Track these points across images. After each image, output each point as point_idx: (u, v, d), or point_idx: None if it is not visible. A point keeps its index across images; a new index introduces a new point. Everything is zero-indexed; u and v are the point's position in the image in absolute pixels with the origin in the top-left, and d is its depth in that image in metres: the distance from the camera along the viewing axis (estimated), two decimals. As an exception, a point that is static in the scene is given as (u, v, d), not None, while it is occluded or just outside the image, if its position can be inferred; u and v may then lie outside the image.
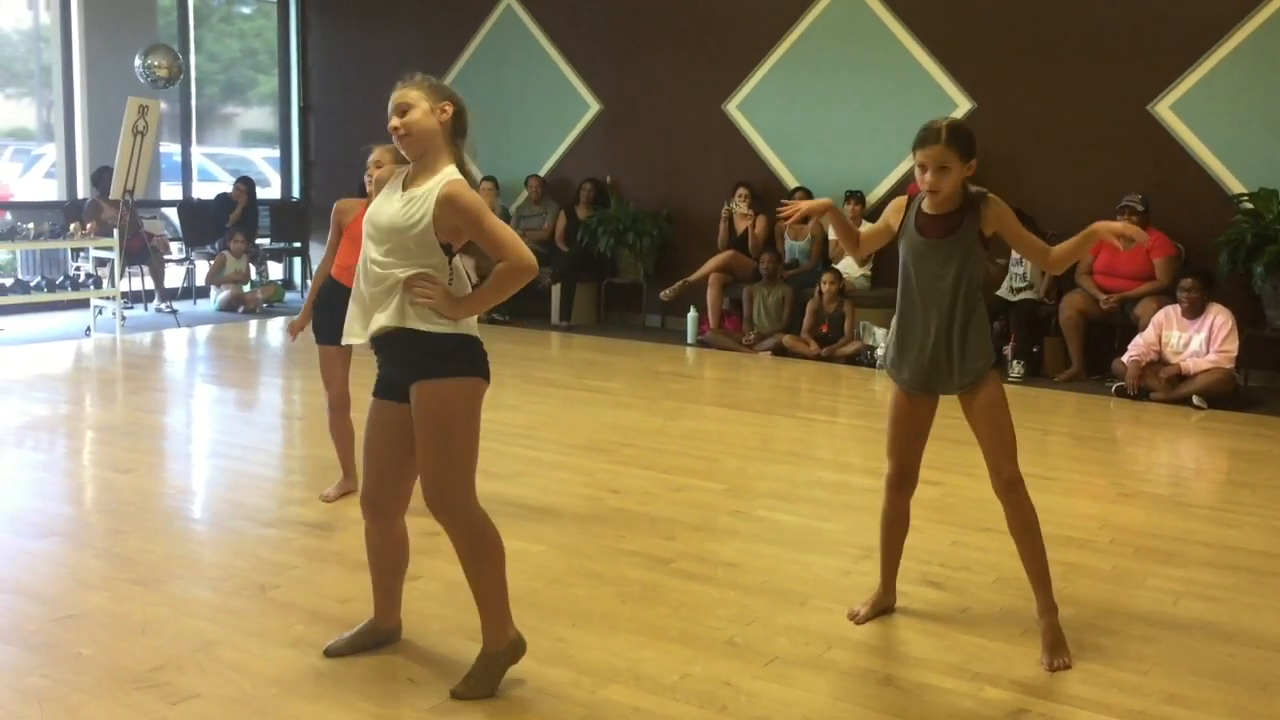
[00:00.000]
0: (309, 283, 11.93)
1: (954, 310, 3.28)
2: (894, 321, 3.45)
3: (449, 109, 2.94)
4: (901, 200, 3.44)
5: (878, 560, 3.66)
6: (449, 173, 2.91)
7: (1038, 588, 3.33)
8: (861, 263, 9.08)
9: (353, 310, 2.98)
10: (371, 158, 4.21)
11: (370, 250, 2.94)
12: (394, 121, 2.92)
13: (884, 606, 3.62)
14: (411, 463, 3.01)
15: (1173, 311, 7.41)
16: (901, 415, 3.44)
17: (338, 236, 4.44)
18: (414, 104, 2.91)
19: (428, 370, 2.89)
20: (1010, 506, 3.31)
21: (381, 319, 2.89)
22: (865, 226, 3.71)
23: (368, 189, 4.22)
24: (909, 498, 3.54)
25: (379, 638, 3.24)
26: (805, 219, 3.46)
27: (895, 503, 3.55)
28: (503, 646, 3.03)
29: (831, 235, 9.24)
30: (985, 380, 3.30)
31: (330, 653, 3.18)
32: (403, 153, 2.97)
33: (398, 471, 3.06)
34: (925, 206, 3.32)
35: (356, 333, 2.98)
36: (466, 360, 2.92)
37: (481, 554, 3.00)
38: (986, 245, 3.30)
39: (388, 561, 3.19)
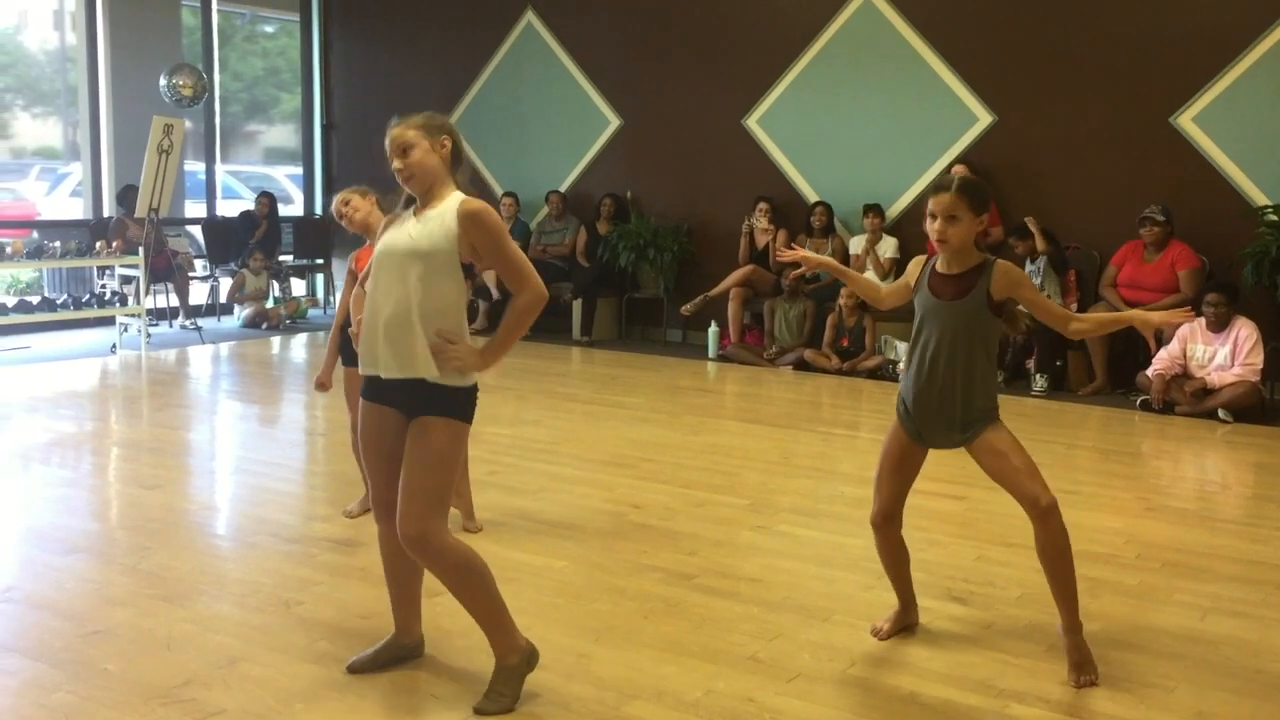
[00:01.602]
0: (332, 299, 12.08)
1: (958, 369, 3.27)
2: (908, 367, 3.44)
3: (447, 144, 3.00)
4: (922, 258, 3.44)
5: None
6: (460, 195, 2.97)
7: (1063, 608, 3.29)
8: (883, 277, 9.07)
9: (368, 341, 3.00)
10: (337, 200, 4.40)
11: (383, 282, 2.95)
12: (396, 163, 2.97)
13: (906, 624, 3.60)
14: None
15: (1198, 325, 7.36)
16: (894, 452, 3.43)
17: (353, 280, 4.51)
18: (414, 143, 2.95)
19: (437, 408, 2.94)
20: (1045, 532, 3.25)
21: (401, 368, 2.93)
22: (888, 284, 3.69)
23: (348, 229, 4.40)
24: (897, 531, 3.53)
25: (401, 653, 3.25)
26: (799, 267, 3.59)
27: (885, 539, 3.54)
28: (516, 658, 3.04)
29: (853, 250, 9.25)
30: (985, 429, 3.28)
31: (353, 669, 3.19)
32: (409, 191, 3.02)
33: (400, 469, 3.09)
34: (939, 266, 3.33)
35: (375, 366, 3.00)
36: (469, 405, 3.00)
37: (466, 582, 2.99)
38: (999, 312, 3.27)
39: (402, 567, 3.18)
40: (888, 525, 3.51)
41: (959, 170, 8.62)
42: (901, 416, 3.41)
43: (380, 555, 3.22)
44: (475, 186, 3.10)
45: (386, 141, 2.99)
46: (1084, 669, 3.24)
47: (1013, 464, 3.25)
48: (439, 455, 2.93)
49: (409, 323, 2.91)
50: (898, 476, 3.45)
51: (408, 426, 2.98)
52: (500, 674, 3.03)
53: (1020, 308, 3.37)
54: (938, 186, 3.27)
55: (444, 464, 2.94)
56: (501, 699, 2.99)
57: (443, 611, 3.64)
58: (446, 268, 2.92)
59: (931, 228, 3.26)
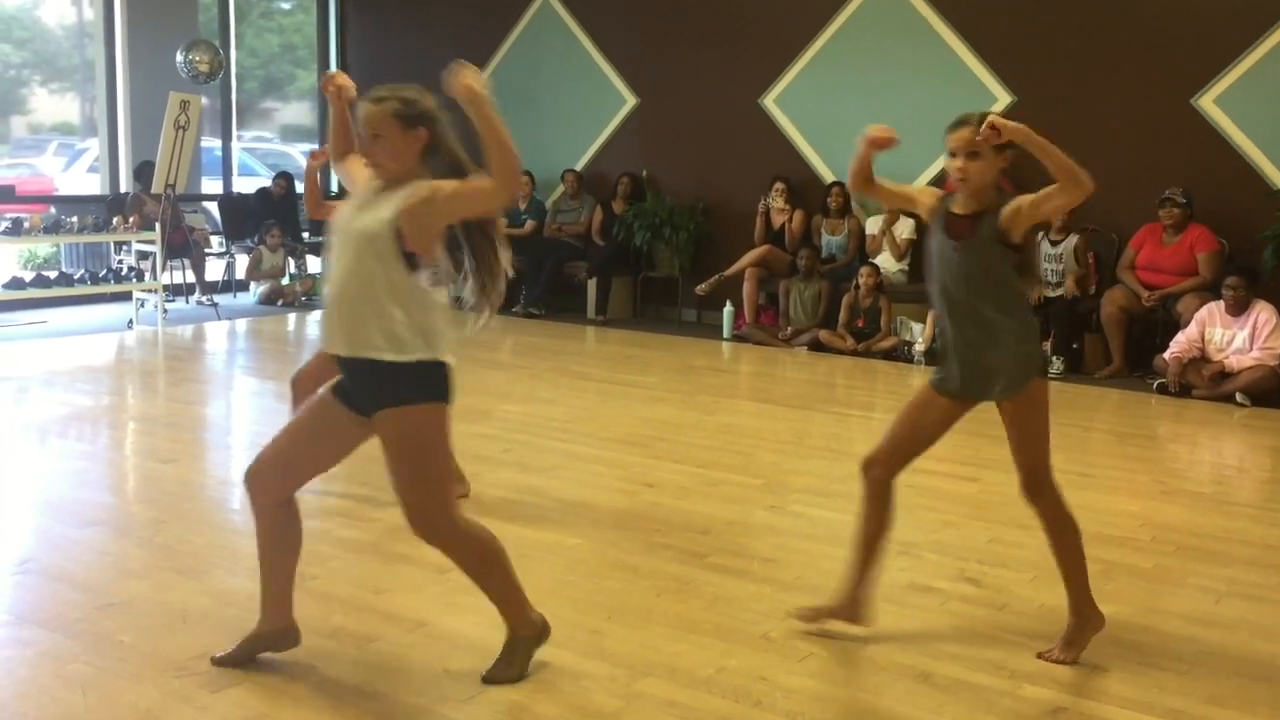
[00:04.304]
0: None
1: (977, 317, 3.13)
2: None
3: (423, 136, 2.81)
4: (938, 192, 3.31)
5: (918, 556, 3.63)
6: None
7: (1069, 590, 3.29)
8: (900, 257, 9.03)
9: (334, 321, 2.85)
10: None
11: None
12: (365, 147, 2.82)
13: (845, 614, 3.40)
14: (320, 466, 3.01)
15: (1216, 308, 7.32)
16: (918, 406, 3.31)
17: None
18: (384, 132, 2.78)
19: (396, 397, 2.79)
20: (1039, 514, 3.24)
21: (349, 347, 2.80)
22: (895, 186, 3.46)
23: None
24: (886, 487, 3.33)
25: (263, 643, 3.06)
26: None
27: (871, 488, 3.33)
28: (527, 630, 3.06)
29: (870, 230, 9.21)
30: (1022, 390, 3.14)
31: (219, 663, 3.03)
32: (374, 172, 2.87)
33: (306, 466, 2.99)
34: (954, 206, 3.19)
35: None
36: (435, 385, 2.82)
37: (482, 564, 2.99)
38: (1016, 248, 3.11)
39: (277, 551, 3.03)
40: (871, 467, 3.34)
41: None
42: (935, 375, 3.29)
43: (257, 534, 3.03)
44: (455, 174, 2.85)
45: (359, 114, 2.80)
46: (1067, 649, 3.25)
47: (1024, 436, 3.17)
48: (419, 448, 2.83)
49: (359, 311, 2.78)
50: (914, 427, 3.29)
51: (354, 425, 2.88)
52: (510, 645, 3.04)
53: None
54: (958, 122, 3.11)
55: (427, 454, 2.85)
56: (510, 669, 3.01)
57: (456, 588, 3.64)
58: (393, 252, 2.75)
59: (951, 165, 3.13)
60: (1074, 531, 3.26)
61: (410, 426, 2.81)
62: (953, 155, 3.12)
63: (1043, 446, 3.19)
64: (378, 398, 2.81)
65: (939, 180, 9.05)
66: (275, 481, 2.98)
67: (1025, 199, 3.11)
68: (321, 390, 3.00)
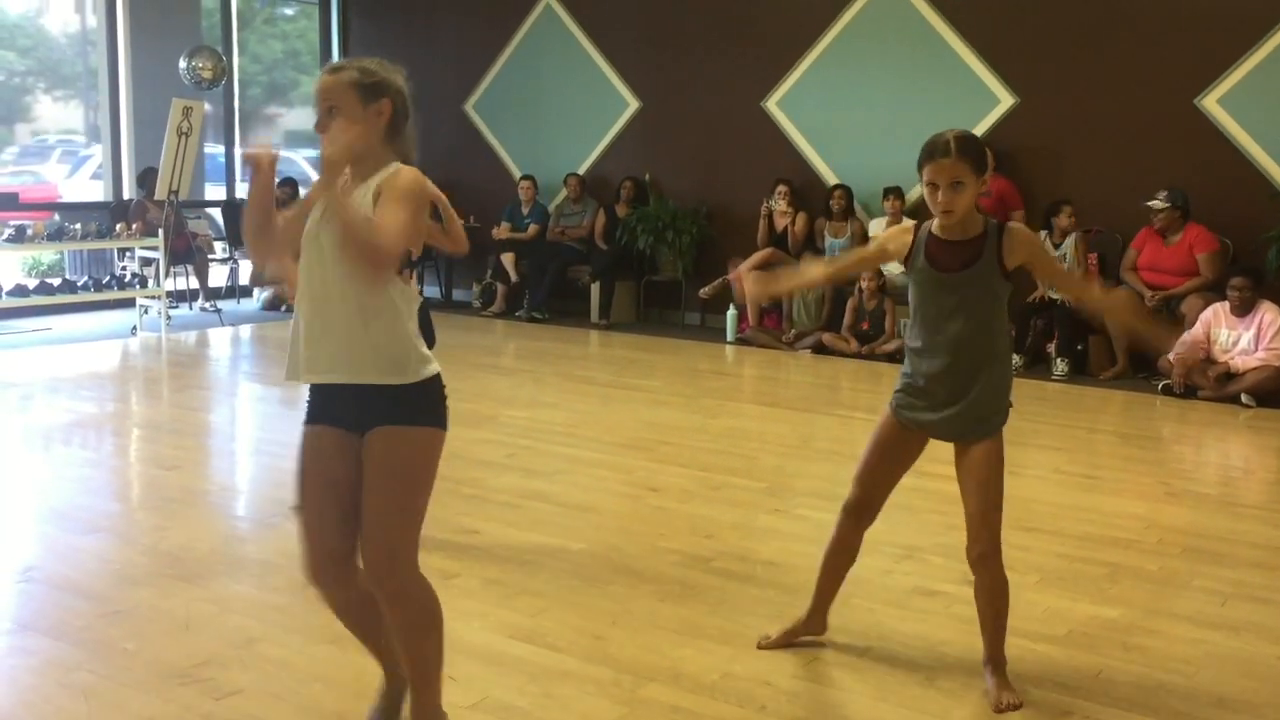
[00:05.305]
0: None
1: (965, 354, 2.95)
2: (907, 352, 3.16)
3: (386, 109, 2.43)
4: (906, 226, 3.11)
5: (922, 560, 3.61)
6: (395, 166, 2.44)
7: (993, 641, 3.08)
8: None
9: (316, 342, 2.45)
10: None
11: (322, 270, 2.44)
12: (319, 124, 2.44)
13: (804, 634, 3.32)
14: (350, 506, 2.52)
15: (1221, 309, 7.31)
16: (887, 442, 3.12)
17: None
18: (342, 105, 2.41)
19: (396, 415, 2.44)
20: (979, 578, 3.02)
21: (343, 373, 2.44)
22: (836, 258, 3.31)
23: None
24: (864, 530, 3.24)
25: (403, 695, 2.74)
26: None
27: (848, 533, 3.23)
28: None
29: (873, 233, 9.19)
30: (990, 433, 2.98)
31: None
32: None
33: (355, 515, 2.50)
34: (937, 231, 2.96)
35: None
36: (437, 405, 2.51)
37: (428, 627, 2.54)
38: (1009, 279, 2.94)
39: (372, 619, 2.66)
40: (861, 517, 3.22)
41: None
42: (895, 403, 3.11)
43: (339, 618, 2.69)
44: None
45: (315, 89, 2.46)
46: (1007, 690, 3.02)
47: (983, 492, 2.97)
48: (412, 472, 2.47)
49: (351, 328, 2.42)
50: (888, 465, 3.15)
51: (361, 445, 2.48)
52: None
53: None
54: (932, 151, 2.87)
55: (419, 482, 2.49)
56: None
57: (460, 593, 3.65)
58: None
59: (933, 200, 2.91)
60: (1007, 597, 3.08)
61: (409, 447, 2.46)
62: (932, 187, 2.89)
63: (999, 504, 2.99)
64: (376, 415, 2.46)
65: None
66: (352, 554, 2.54)
67: (1040, 248, 3.02)
68: (303, 440, 2.55)
